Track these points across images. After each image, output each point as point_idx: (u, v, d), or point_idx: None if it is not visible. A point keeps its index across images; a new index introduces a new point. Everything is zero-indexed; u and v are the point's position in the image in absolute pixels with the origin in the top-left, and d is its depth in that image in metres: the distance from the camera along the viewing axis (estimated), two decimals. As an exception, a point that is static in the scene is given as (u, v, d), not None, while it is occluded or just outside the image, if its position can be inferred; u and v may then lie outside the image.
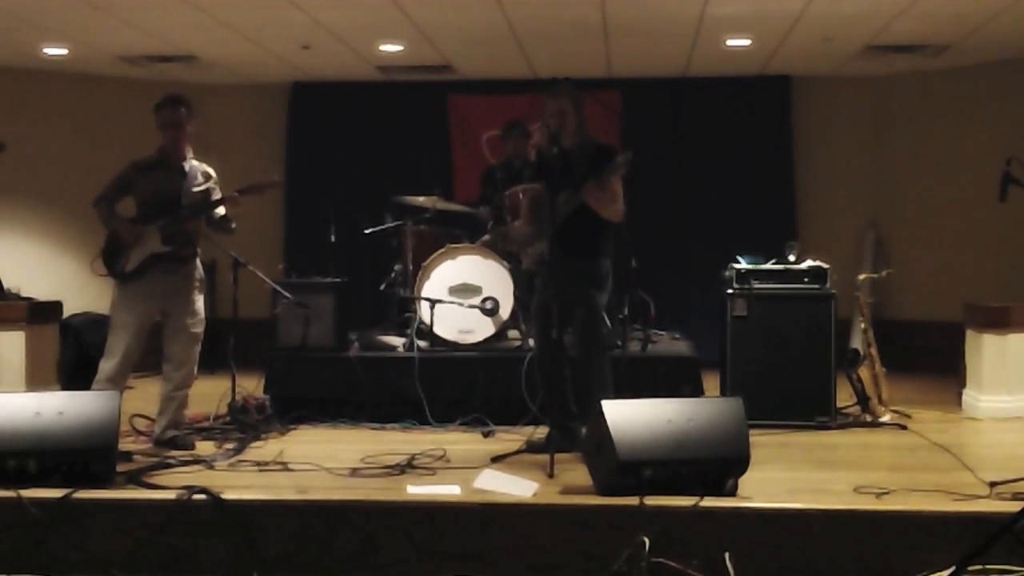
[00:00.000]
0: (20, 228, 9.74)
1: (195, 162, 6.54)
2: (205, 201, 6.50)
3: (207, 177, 6.59)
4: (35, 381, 7.97)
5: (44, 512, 4.89)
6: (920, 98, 10.47)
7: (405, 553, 4.84)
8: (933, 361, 9.24)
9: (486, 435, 6.90)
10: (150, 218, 6.38)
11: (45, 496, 4.95)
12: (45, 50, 9.23)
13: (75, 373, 8.32)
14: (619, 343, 7.36)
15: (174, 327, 6.50)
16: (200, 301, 6.61)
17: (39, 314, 8.34)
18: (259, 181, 6.62)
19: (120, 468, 5.53)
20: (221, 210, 6.51)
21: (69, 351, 8.78)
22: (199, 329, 6.57)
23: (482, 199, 8.64)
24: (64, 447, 5.19)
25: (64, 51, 9.28)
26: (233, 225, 6.59)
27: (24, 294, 8.69)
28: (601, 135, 6.86)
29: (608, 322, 6.47)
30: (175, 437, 6.45)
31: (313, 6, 7.84)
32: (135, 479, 5.40)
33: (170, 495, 5.01)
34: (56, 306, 8.77)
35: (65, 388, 7.92)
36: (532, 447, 6.22)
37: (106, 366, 6.31)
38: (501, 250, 7.80)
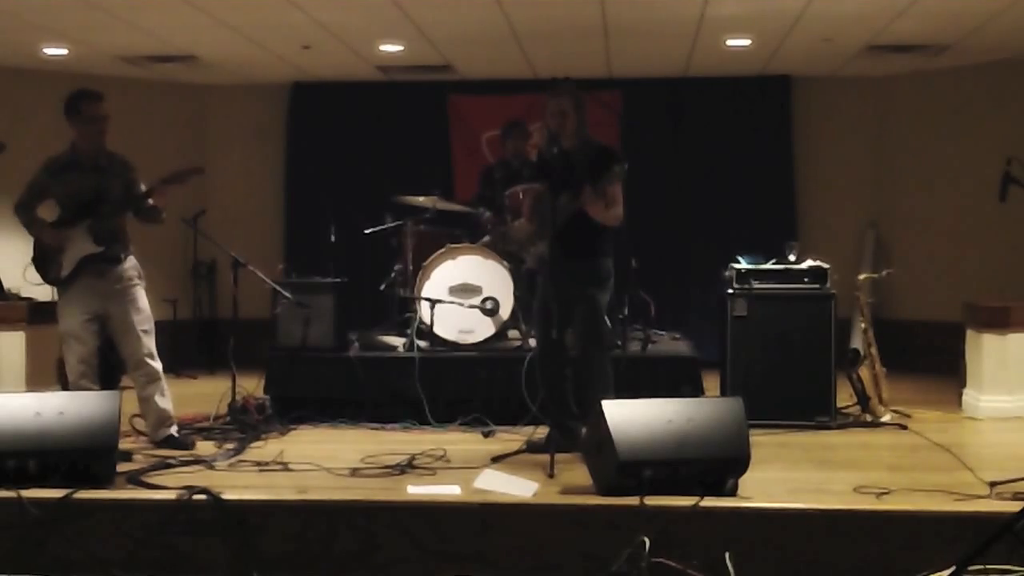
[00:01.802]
0: (20, 229, 9.70)
1: (111, 154, 6.36)
2: (131, 195, 6.33)
3: (126, 169, 6.39)
4: (35, 381, 7.97)
5: (44, 512, 4.89)
6: (920, 98, 10.47)
7: (405, 553, 4.84)
8: (933, 361, 9.24)
9: (486, 435, 6.90)
10: (74, 219, 6.23)
11: (45, 496, 4.95)
12: (45, 50, 9.24)
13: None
14: (619, 343, 7.36)
15: (122, 327, 6.34)
16: (143, 296, 6.41)
17: (39, 314, 8.33)
18: (182, 169, 6.39)
19: (120, 468, 5.53)
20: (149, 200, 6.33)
21: (69, 351, 8.77)
22: (147, 326, 6.38)
23: (479, 198, 8.64)
24: (64, 447, 5.19)
25: (64, 51, 9.28)
26: (163, 216, 6.42)
27: (24, 295, 8.68)
28: (601, 135, 6.87)
29: (609, 322, 6.47)
30: (172, 436, 6.43)
31: (313, 6, 7.84)
32: (135, 479, 5.41)
33: (170, 495, 5.02)
34: (56, 307, 8.77)
35: (65, 388, 7.91)
36: (532, 447, 6.23)
37: (71, 376, 6.23)
38: (501, 250, 7.80)
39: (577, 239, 6.04)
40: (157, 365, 6.43)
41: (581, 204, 6.00)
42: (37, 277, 6.37)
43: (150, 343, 6.39)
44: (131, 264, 6.42)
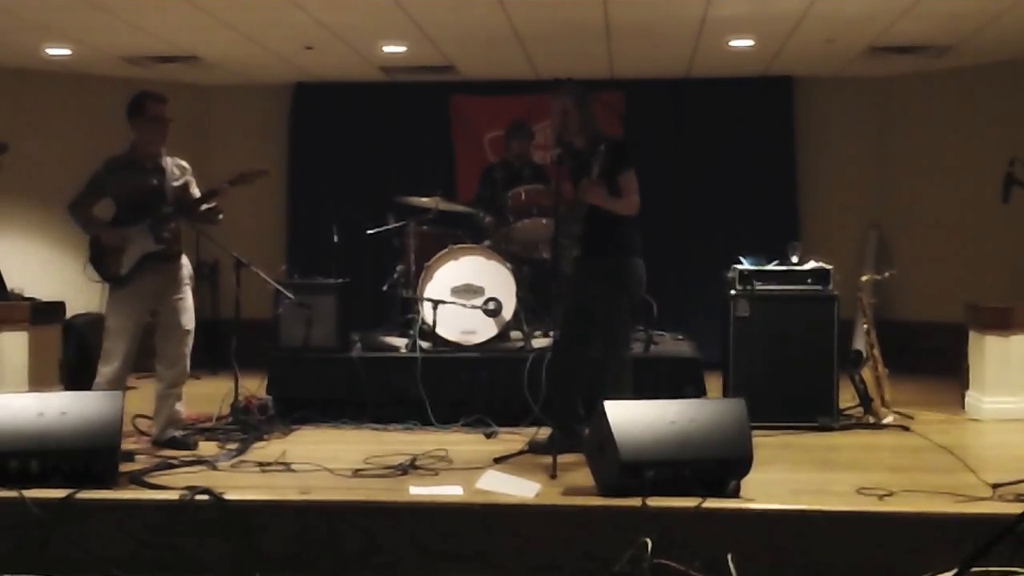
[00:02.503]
0: (23, 229, 9.75)
1: (168, 157, 6.48)
2: (196, 196, 6.45)
3: (183, 171, 6.53)
4: (38, 381, 7.97)
5: (47, 512, 4.90)
6: (922, 99, 10.47)
7: (407, 554, 4.84)
8: (936, 362, 9.24)
9: (488, 436, 6.90)
10: (133, 219, 6.31)
11: (48, 496, 4.95)
12: (47, 50, 9.24)
13: (78, 374, 8.33)
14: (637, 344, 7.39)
15: (167, 325, 6.47)
16: (190, 297, 6.57)
17: (42, 315, 8.35)
18: (248, 170, 6.50)
19: (123, 468, 5.53)
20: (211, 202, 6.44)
21: (72, 352, 8.79)
22: (191, 326, 6.54)
23: (479, 198, 8.64)
24: (67, 447, 5.19)
25: (66, 51, 9.28)
26: (220, 216, 6.52)
27: (27, 295, 8.70)
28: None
29: (631, 323, 6.44)
30: (175, 437, 6.45)
31: (316, 7, 7.84)
32: (137, 479, 5.42)
33: (173, 495, 5.02)
34: (59, 307, 8.79)
35: (68, 388, 7.92)
36: (535, 448, 6.22)
37: (106, 370, 6.28)
38: (504, 251, 7.80)
39: (597, 237, 6.06)
40: (188, 368, 6.56)
41: (581, 198, 6.02)
42: (95, 275, 6.41)
43: (189, 345, 6.52)
44: (185, 263, 6.58)
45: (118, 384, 6.23)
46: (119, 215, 6.40)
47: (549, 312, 7.77)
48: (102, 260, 6.36)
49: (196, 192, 6.54)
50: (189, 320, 6.53)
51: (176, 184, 6.45)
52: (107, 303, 6.47)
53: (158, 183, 6.38)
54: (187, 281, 6.56)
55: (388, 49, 9.32)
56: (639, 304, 6.81)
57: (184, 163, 6.57)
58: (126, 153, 6.43)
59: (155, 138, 6.39)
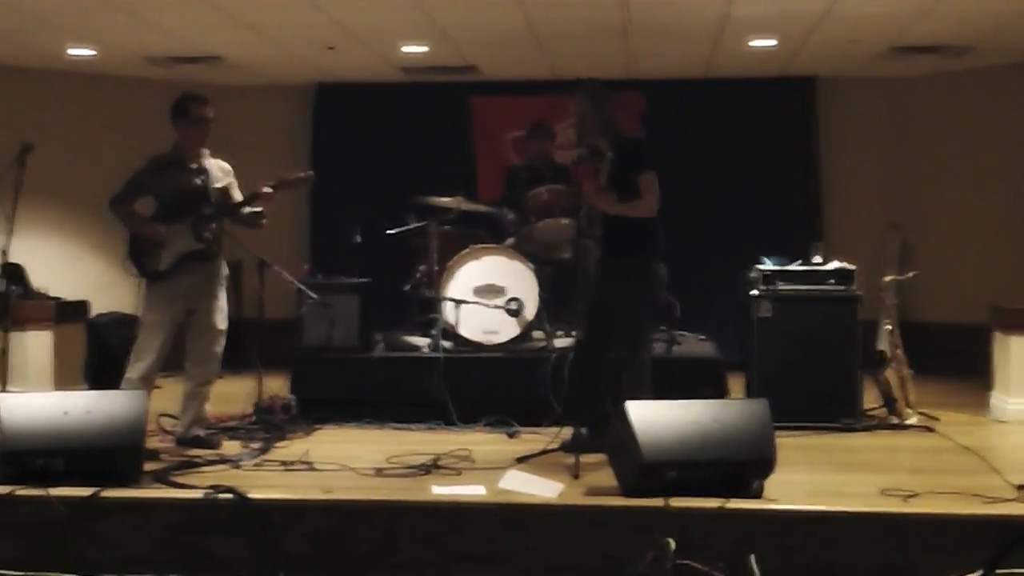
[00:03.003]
0: (47, 228, 9.79)
1: (211, 158, 6.55)
2: (237, 199, 6.52)
3: (225, 172, 6.61)
4: (63, 380, 8.04)
5: (71, 510, 4.93)
6: (945, 99, 10.41)
7: (430, 553, 4.85)
8: (960, 363, 9.18)
9: (511, 436, 6.91)
10: (174, 216, 6.37)
11: (72, 494, 4.99)
12: (71, 51, 9.28)
13: (101, 372, 8.37)
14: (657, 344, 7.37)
15: (201, 324, 6.52)
16: (225, 297, 6.62)
17: (66, 314, 8.41)
18: (291, 176, 6.58)
19: (147, 467, 5.56)
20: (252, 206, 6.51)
21: (96, 350, 8.83)
22: (224, 326, 6.58)
23: (504, 199, 8.64)
24: (91, 446, 5.23)
25: (90, 52, 9.32)
26: (264, 221, 6.58)
27: (51, 294, 8.76)
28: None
29: (650, 324, 6.43)
30: (199, 436, 6.48)
31: (336, 8, 7.86)
32: (161, 478, 5.44)
33: (196, 494, 5.05)
34: (83, 306, 8.85)
35: (92, 387, 7.97)
36: (566, 447, 6.19)
37: (140, 365, 6.30)
38: (526, 251, 7.80)
39: (617, 238, 6.06)
40: (217, 369, 6.61)
41: (588, 202, 6.03)
42: (133, 269, 6.46)
43: (221, 345, 6.57)
44: (223, 263, 6.61)
45: (149, 379, 6.28)
46: (160, 213, 6.45)
47: (571, 312, 7.77)
48: (142, 255, 6.40)
49: (237, 194, 6.59)
50: (223, 320, 6.56)
51: (218, 185, 6.51)
52: (144, 298, 6.49)
53: (201, 183, 6.44)
54: (223, 281, 6.60)
55: (409, 49, 9.33)
56: (659, 305, 6.81)
57: (226, 165, 6.64)
58: (169, 152, 6.48)
59: (197, 139, 6.46)
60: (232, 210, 6.49)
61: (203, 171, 6.47)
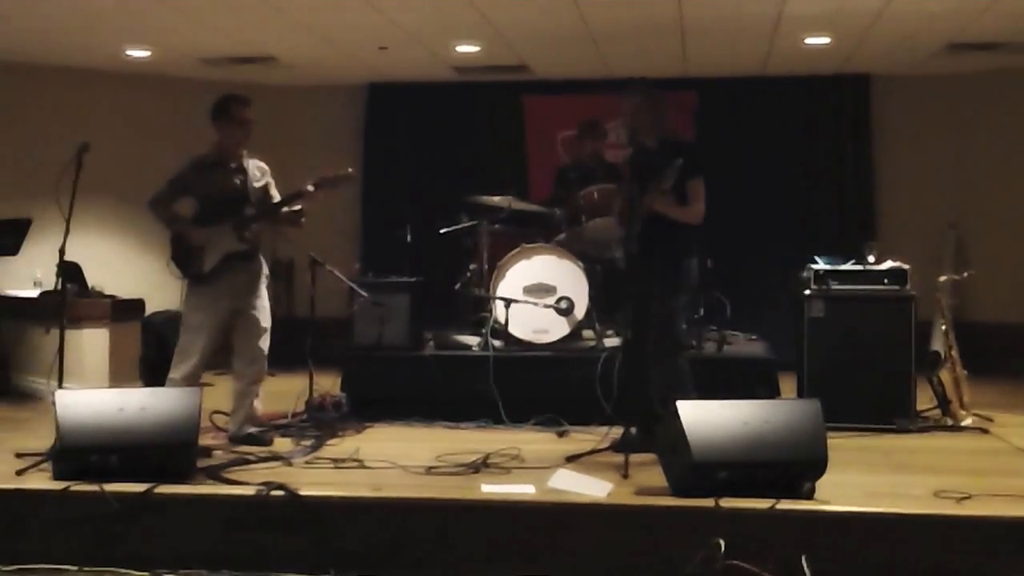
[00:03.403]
0: (103, 227, 9.92)
1: (249, 159, 6.59)
2: (280, 199, 6.56)
3: (263, 172, 6.64)
4: (118, 377, 8.14)
5: (126, 506, 5.00)
6: (1003, 97, 10.27)
7: (479, 552, 4.87)
8: (1016, 364, 9.08)
9: (560, 435, 6.90)
10: (216, 217, 6.41)
11: (127, 490, 5.05)
12: (128, 52, 9.40)
13: (157, 370, 8.41)
14: (694, 344, 7.32)
15: (246, 324, 6.56)
16: (267, 296, 6.66)
17: (122, 312, 8.51)
18: (333, 174, 6.56)
19: (200, 464, 5.61)
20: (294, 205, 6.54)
21: (151, 348, 8.93)
22: (269, 323, 6.63)
23: (554, 198, 8.64)
24: (146, 442, 5.29)
25: (146, 53, 9.43)
26: (303, 220, 6.61)
27: (107, 292, 8.86)
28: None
29: (684, 324, 6.42)
30: (251, 434, 6.53)
31: (391, 7, 7.89)
32: (214, 475, 5.48)
33: (249, 491, 5.10)
34: (138, 304, 8.95)
35: (147, 385, 8.06)
36: (616, 446, 6.16)
37: (184, 367, 6.36)
38: (576, 250, 7.80)
39: (656, 239, 6.04)
40: (265, 368, 6.64)
41: (648, 203, 6.00)
42: (177, 271, 6.52)
43: (267, 342, 6.60)
44: (263, 263, 6.66)
45: (192, 380, 6.31)
46: (201, 214, 6.51)
47: (621, 311, 7.75)
48: (185, 257, 6.46)
49: (275, 194, 6.63)
50: (267, 318, 6.62)
51: (258, 185, 6.56)
52: (186, 300, 6.56)
53: (241, 184, 6.49)
54: (265, 280, 6.65)
55: (461, 49, 9.35)
56: (693, 304, 6.78)
57: (264, 165, 6.67)
58: (211, 153, 6.54)
59: (239, 140, 6.51)
60: (273, 210, 6.53)
61: (243, 171, 6.52)
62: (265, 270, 6.68)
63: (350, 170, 6.69)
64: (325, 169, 6.60)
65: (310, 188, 6.45)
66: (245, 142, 6.53)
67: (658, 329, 6.13)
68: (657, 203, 6.01)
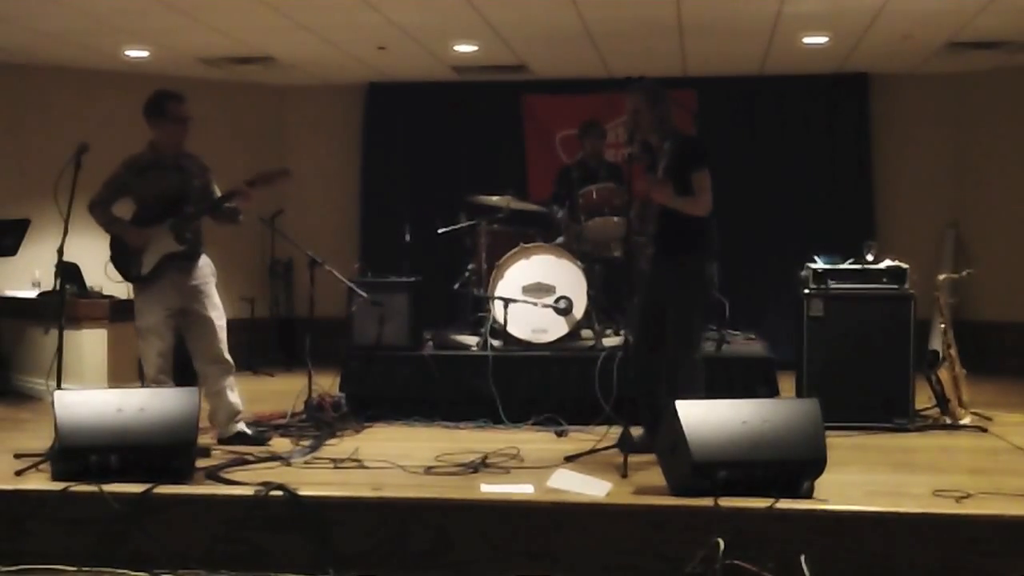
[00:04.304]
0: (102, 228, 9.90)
1: (187, 156, 6.47)
2: (217, 196, 6.43)
3: (202, 170, 6.51)
4: (117, 378, 8.13)
5: (125, 507, 4.99)
6: (1001, 96, 10.28)
7: (478, 551, 4.86)
8: (1015, 363, 9.09)
9: (559, 434, 6.90)
10: (155, 218, 6.30)
11: (126, 491, 5.05)
12: (127, 52, 9.40)
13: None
14: (716, 342, 7.33)
15: (197, 323, 6.43)
16: (217, 293, 6.52)
17: (121, 312, 8.49)
18: (268, 171, 6.47)
19: (199, 464, 5.60)
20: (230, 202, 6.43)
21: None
22: (223, 321, 6.50)
23: (555, 198, 8.65)
24: (145, 443, 5.28)
25: (145, 53, 9.43)
26: (240, 217, 6.53)
27: (106, 292, 8.85)
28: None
29: (702, 323, 6.39)
30: (243, 432, 6.50)
31: (389, 7, 7.89)
32: (214, 475, 5.48)
33: (248, 491, 5.09)
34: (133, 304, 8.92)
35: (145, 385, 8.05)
36: (619, 446, 6.15)
37: (149, 371, 6.31)
38: (575, 250, 7.80)
39: (670, 237, 6.04)
40: (230, 360, 6.53)
41: (647, 196, 6.00)
42: (116, 275, 6.45)
43: (224, 338, 6.49)
44: (206, 262, 6.53)
45: (164, 380, 6.26)
46: (140, 214, 6.40)
47: (621, 311, 7.75)
48: (124, 260, 6.37)
49: (216, 191, 6.50)
50: (220, 315, 6.48)
51: (197, 183, 6.44)
52: (134, 303, 6.46)
53: (180, 182, 6.37)
54: (211, 278, 6.50)
55: (460, 48, 9.35)
56: (710, 304, 6.77)
57: (203, 163, 6.55)
58: (146, 152, 6.41)
59: (176, 138, 6.38)
60: (212, 207, 6.40)
61: (181, 170, 6.39)
62: (210, 267, 6.53)
63: (287, 167, 6.60)
64: (261, 166, 6.54)
65: (244, 186, 6.32)
66: (182, 139, 6.39)
67: (675, 330, 6.11)
68: (655, 192, 6.01)
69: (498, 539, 4.86)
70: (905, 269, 7.13)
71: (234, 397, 6.54)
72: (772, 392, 7.16)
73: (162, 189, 6.33)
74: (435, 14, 8.15)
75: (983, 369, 8.47)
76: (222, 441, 6.46)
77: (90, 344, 8.34)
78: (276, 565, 4.92)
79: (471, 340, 7.89)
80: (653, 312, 6.16)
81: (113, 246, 6.43)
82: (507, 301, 7.53)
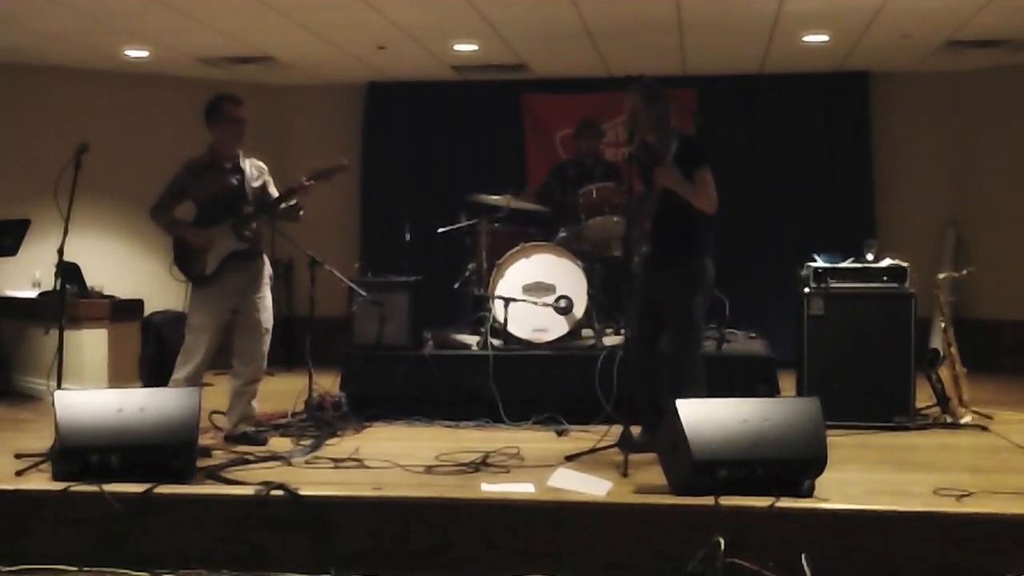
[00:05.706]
0: (102, 228, 9.91)
1: (246, 158, 6.59)
2: (274, 195, 6.57)
3: (260, 171, 6.65)
4: (118, 378, 8.13)
5: (126, 506, 5.00)
6: (1001, 94, 10.28)
7: (479, 551, 4.86)
8: (1015, 361, 9.08)
9: (560, 434, 6.90)
10: (215, 219, 6.43)
11: (127, 491, 5.05)
12: (126, 52, 9.40)
13: (156, 370, 8.47)
14: (715, 341, 7.32)
15: (247, 323, 6.57)
16: (269, 296, 6.67)
17: (121, 312, 8.52)
18: (326, 166, 6.56)
19: (200, 464, 5.61)
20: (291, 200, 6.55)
21: (151, 348, 8.94)
22: (270, 324, 6.64)
23: (541, 192, 8.67)
24: (145, 443, 5.28)
25: (145, 53, 9.43)
26: (301, 213, 6.63)
27: (106, 292, 8.86)
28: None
29: (702, 323, 6.39)
30: (246, 433, 6.53)
31: (389, 7, 7.89)
32: (214, 475, 5.48)
33: (248, 491, 5.09)
34: (138, 304, 8.95)
35: (146, 385, 8.06)
36: (619, 444, 6.15)
37: (187, 367, 6.38)
38: (576, 249, 7.80)
39: (668, 235, 6.04)
40: (264, 367, 6.66)
41: (656, 182, 6.00)
42: (181, 275, 6.53)
43: (267, 344, 6.62)
44: (266, 262, 6.68)
45: (195, 380, 6.32)
46: (201, 216, 6.51)
47: (621, 310, 7.75)
48: (187, 260, 6.48)
49: (274, 191, 6.64)
50: (268, 319, 6.63)
51: (255, 184, 6.56)
52: (190, 301, 6.57)
53: (238, 183, 6.49)
54: (267, 280, 6.66)
55: (460, 48, 9.35)
56: (709, 303, 6.77)
57: (261, 163, 6.69)
58: (205, 155, 6.53)
59: (233, 139, 6.50)
60: (270, 207, 6.54)
61: (239, 171, 6.52)
62: (268, 269, 6.70)
63: (344, 161, 6.67)
64: (319, 162, 6.60)
65: (304, 182, 6.45)
66: (239, 141, 6.53)
67: (676, 329, 6.11)
68: (662, 177, 5.99)
69: (499, 538, 4.87)
70: (905, 268, 7.13)
71: (255, 403, 6.67)
72: (772, 391, 7.16)
73: (220, 190, 6.45)
74: (435, 13, 8.15)
75: (983, 367, 8.47)
76: (227, 438, 6.54)
77: (90, 344, 8.34)
78: (277, 565, 4.92)
79: (471, 339, 7.89)
80: (652, 312, 6.16)
81: (176, 248, 6.53)
82: (507, 300, 7.53)
